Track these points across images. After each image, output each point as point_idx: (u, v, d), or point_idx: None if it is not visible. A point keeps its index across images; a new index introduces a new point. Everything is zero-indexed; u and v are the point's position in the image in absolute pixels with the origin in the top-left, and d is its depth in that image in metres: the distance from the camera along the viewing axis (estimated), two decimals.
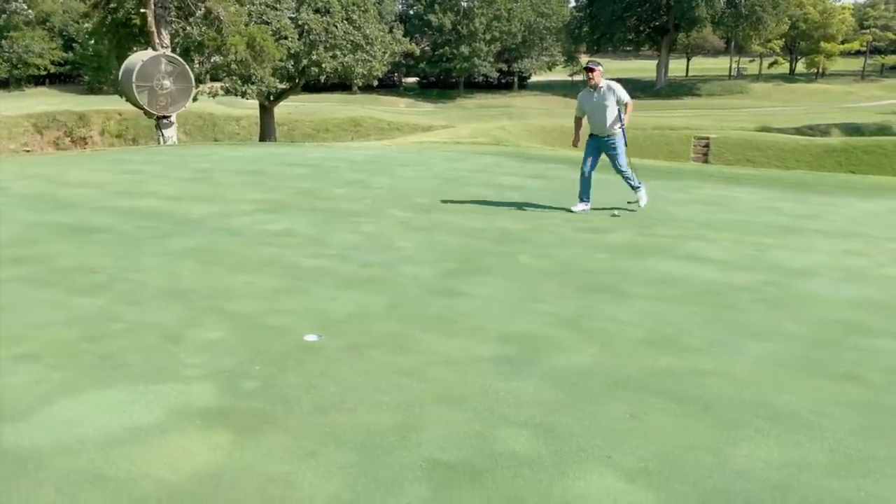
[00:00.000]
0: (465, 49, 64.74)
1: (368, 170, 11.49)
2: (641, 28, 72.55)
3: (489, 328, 4.37)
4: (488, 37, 65.29)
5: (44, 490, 2.62)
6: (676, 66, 79.33)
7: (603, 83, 7.82)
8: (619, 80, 8.65)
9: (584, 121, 8.15)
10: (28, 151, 34.15)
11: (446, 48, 65.37)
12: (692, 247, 6.53)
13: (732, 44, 77.16)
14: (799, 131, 34.07)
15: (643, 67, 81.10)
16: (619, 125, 7.85)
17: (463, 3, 67.01)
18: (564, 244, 6.60)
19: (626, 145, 8.08)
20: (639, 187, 8.22)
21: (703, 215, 8.03)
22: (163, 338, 4.14)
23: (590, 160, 8.14)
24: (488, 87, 71.97)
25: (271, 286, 5.17)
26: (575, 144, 8.41)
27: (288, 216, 7.68)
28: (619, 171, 8.12)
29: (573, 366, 3.82)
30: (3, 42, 63.52)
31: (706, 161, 22.24)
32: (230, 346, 4.03)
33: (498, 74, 70.32)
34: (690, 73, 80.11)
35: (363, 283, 5.30)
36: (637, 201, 8.24)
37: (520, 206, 8.49)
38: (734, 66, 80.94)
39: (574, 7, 73.47)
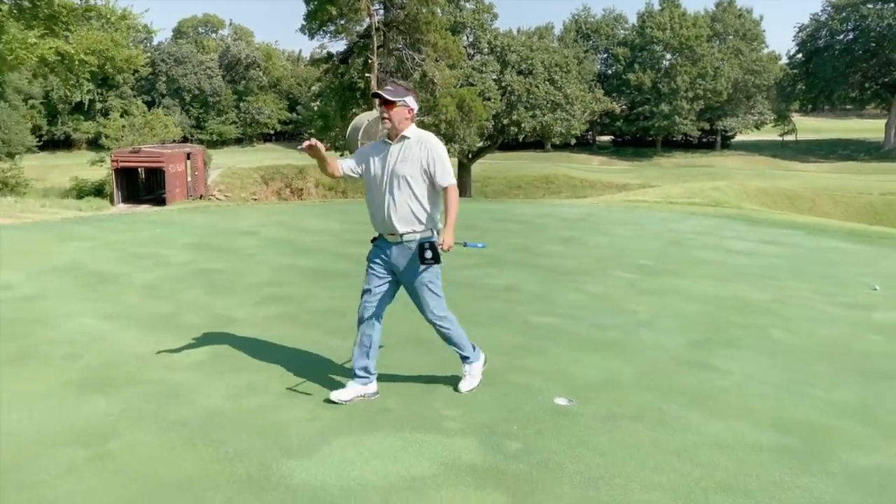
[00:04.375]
0: (665, 107, 62.95)
1: (581, 227, 11.32)
2: (867, 85, 66.06)
3: (758, 410, 3.94)
4: (691, 94, 62.93)
5: None
6: None
7: (412, 133, 3.87)
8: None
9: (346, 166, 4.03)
10: (255, 200, 38.27)
11: (645, 106, 64.14)
12: None
13: None
14: None
15: (866, 127, 73.49)
16: (424, 225, 3.97)
17: (665, 62, 65.60)
18: (822, 320, 5.90)
19: (438, 271, 4.09)
20: (468, 358, 4.23)
21: None
22: (417, 386, 4.22)
23: (373, 286, 4.16)
24: (687, 145, 69.27)
25: (509, 343, 5.12)
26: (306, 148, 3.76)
27: (509, 272, 7.70)
28: (430, 321, 4.12)
29: (875, 466, 3.30)
30: (241, 105, 73.22)
31: None
32: (482, 401, 4.00)
33: (699, 133, 67.36)
34: None
35: (603, 347, 5.08)
36: (465, 377, 4.21)
37: (756, 273, 7.82)
38: None
39: (787, 63, 68.76)
